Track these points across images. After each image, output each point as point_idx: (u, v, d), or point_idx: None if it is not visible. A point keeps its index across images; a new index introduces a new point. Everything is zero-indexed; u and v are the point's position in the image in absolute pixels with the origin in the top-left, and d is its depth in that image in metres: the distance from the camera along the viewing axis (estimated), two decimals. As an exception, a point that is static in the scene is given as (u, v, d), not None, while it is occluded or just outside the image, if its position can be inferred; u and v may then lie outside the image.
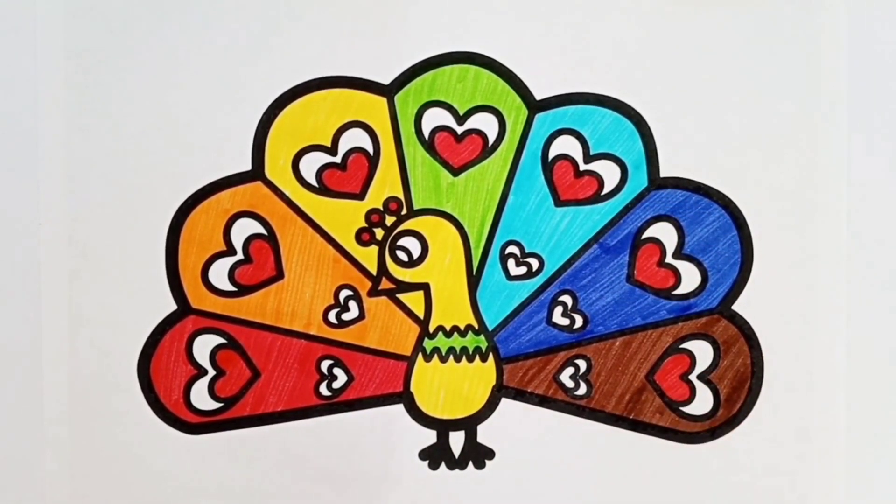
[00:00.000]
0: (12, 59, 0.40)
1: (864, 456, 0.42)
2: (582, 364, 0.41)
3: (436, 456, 0.41)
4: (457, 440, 0.41)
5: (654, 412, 0.41)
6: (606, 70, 0.41)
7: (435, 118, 0.40)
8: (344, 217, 0.41)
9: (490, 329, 0.41)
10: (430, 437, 0.41)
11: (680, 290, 0.41)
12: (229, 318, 0.41)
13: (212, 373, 0.41)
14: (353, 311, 0.41)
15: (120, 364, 0.40)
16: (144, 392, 0.40)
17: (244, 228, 0.41)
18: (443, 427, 0.41)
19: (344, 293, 0.41)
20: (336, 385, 0.41)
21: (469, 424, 0.41)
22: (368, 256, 0.41)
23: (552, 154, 0.41)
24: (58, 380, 0.40)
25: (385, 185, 0.41)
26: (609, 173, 0.41)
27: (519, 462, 0.41)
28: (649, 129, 0.41)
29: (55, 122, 0.40)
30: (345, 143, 0.40)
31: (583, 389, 0.41)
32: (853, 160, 0.41)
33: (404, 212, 0.41)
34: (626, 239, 0.41)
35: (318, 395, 0.41)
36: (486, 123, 0.41)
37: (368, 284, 0.41)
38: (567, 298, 0.41)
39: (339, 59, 0.40)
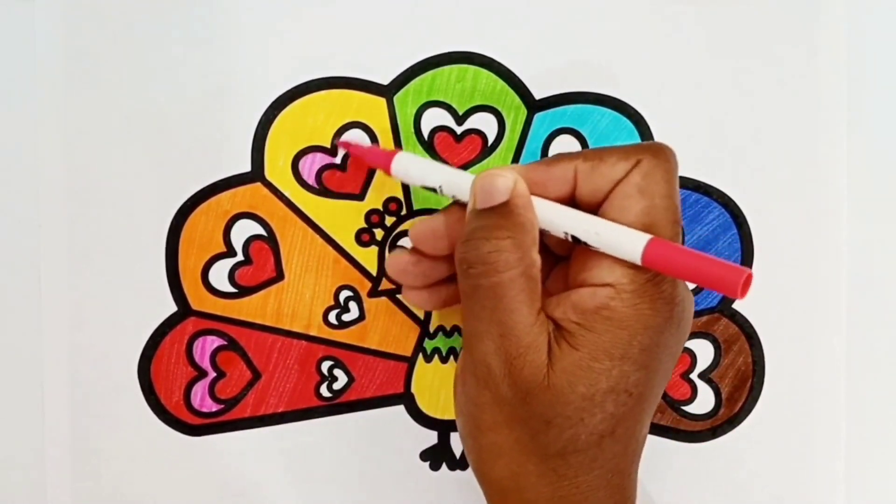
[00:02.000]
0: (12, 60, 0.40)
1: (865, 456, 0.41)
2: (583, 364, 0.41)
3: (437, 457, 0.41)
4: (458, 441, 0.41)
5: (654, 411, 0.41)
6: (606, 70, 0.41)
7: (434, 118, 0.40)
8: (344, 218, 0.41)
9: (490, 329, 0.41)
10: (431, 437, 0.41)
11: (680, 289, 0.41)
12: (230, 319, 0.41)
13: (212, 374, 0.41)
14: (354, 312, 0.41)
15: (120, 366, 0.40)
16: (145, 394, 0.40)
17: (244, 230, 0.41)
18: (444, 428, 0.41)
19: (344, 294, 0.41)
20: (337, 386, 0.41)
21: (470, 425, 0.41)
22: (368, 257, 0.41)
23: (552, 153, 0.41)
24: (58, 382, 0.40)
25: (385, 185, 0.41)
26: (609, 173, 0.41)
27: (520, 463, 0.41)
28: (648, 128, 0.41)
29: (55, 123, 0.40)
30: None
31: (584, 389, 0.41)
32: (853, 160, 0.41)
33: (404, 212, 0.41)
34: (625, 238, 0.41)
35: (319, 396, 0.41)
36: (485, 123, 0.41)
37: (369, 285, 0.41)
38: (567, 297, 0.41)
39: (338, 59, 0.40)
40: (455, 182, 0.35)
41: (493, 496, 0.35)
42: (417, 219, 0.37)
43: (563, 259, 0.36)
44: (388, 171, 0.37)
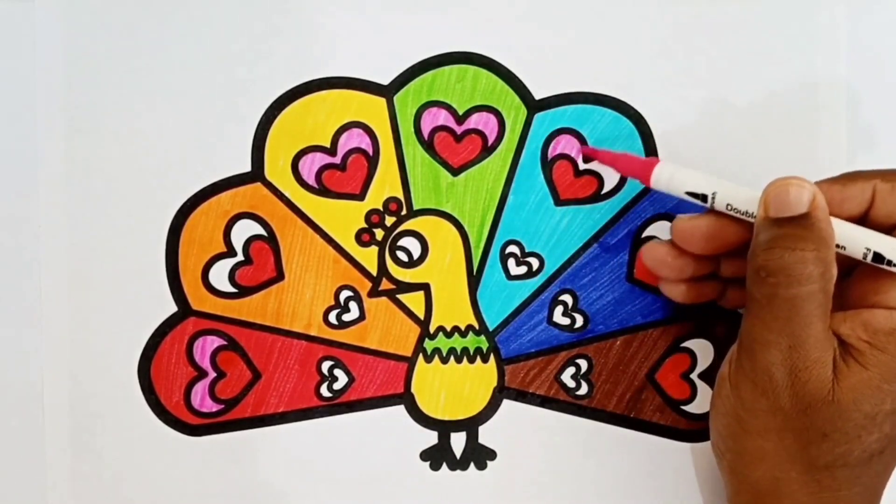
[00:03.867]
0: (12, 60, 0.40)
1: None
2: (583, 364, 0.41)
3: (437, 457, 0.41)
4: (458, 441, 0.41)
5: (654, 411, 0.41)
6: (606, 70, 0.41)
7: (434, 118, 0.40)
8: (344, 218, 0.41)
9: (491, 329, 0.41)
10: (431, 438, 0.41)
11: (680, 289, 0.41)
12: (230, 319, 0.41)
13: (212, 374, 0.41)
14: (354, 312, 0.41)
15: (120, 366, 0.40)
16: (145, 394, 0.40)
17: (244, 230, 0.41)
18: (444, 428, 0.41)
19: (344, 294, 0.41)
20: (337, 386, 0.41)
21: (470, 425, 0.41)
22: (368, 257, 0.41)
23: (552, 153, 0.41)
24: (58, 382, 0.40)
25: (385, 185, 0.41)
26: (609, 172, 0.41)
27: (520, 463, 0.41)
28: (648, 127, 0.41)
29: (55, 124, 0.40)
30: (344, 144, 0.40)
31: (584, 389, 0.41)
32: (853, 160, 0.41)
33: (404, 212, 0.41)
34: (625, 238, 0.41)
35: (319, 396, 0.41)
36: (485, 123, 0.41)
37: (369, 285, 0.41)
38: (567, 298, 0.41)
39: (338, 59, 0.40)
40: (730, 191, 0.35)
41: (746, 496, 0.35)
42: (681, 215, 0.36)
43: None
44: (644, 181, 0.36)
